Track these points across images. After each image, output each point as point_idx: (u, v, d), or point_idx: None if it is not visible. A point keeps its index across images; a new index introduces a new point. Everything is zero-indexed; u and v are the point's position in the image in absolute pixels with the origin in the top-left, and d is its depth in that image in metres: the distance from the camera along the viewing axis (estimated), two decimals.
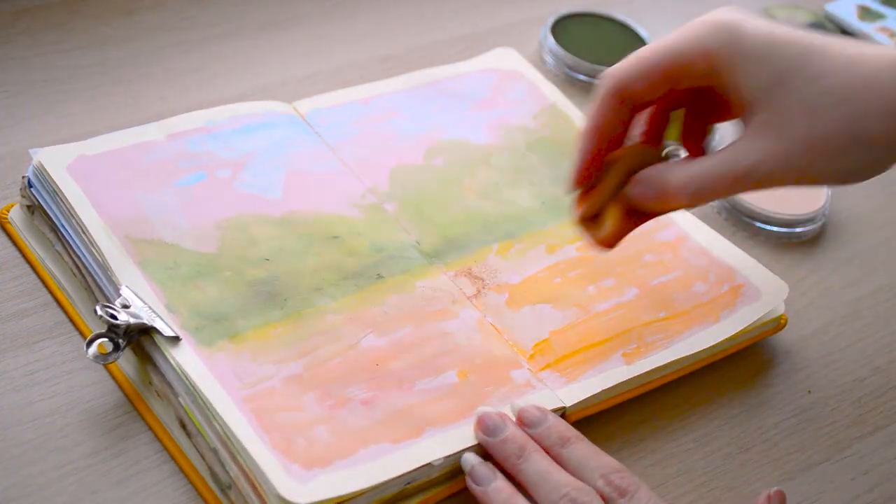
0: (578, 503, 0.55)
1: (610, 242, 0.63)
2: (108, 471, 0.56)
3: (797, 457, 0.65)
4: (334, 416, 0.57)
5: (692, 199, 0.61)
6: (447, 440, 0.58)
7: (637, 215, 0.63)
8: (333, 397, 0.58)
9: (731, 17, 0.59)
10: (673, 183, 0.61)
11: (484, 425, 0.59)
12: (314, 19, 0.88)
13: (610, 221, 0.63)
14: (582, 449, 0.58)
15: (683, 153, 0.79)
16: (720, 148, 0.61)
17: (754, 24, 0.59)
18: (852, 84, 0.58)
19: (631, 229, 0.64)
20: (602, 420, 0.63)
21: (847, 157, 0.59)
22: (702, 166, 0.61)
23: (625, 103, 0.61)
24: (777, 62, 0.58)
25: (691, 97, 0.65)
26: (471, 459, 0.58)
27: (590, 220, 0.64)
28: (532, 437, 0.59)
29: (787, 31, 0.59)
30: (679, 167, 0.61)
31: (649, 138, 0.65)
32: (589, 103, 0.62)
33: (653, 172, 0.62)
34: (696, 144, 0.67)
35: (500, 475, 0.57)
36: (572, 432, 0.59)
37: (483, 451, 0.59)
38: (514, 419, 0.60)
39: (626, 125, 0.63)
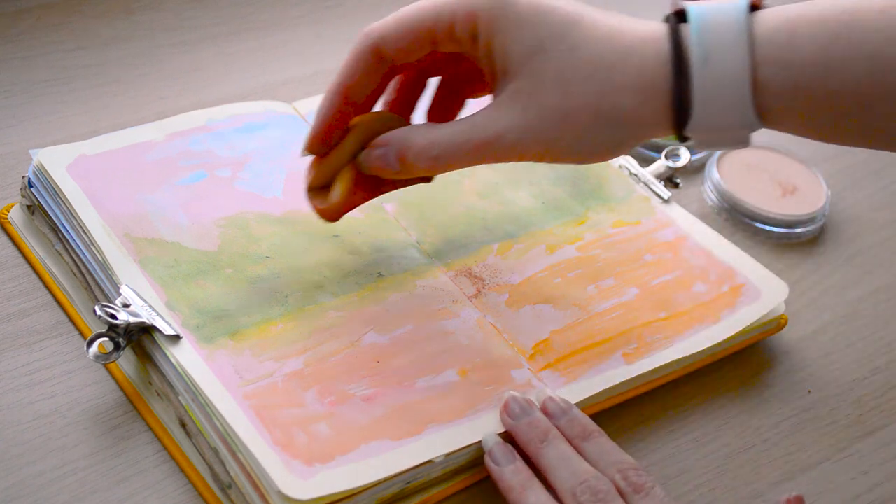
0: (596, 490, 0.55)
1: (333, 215, 0.61)
2: (108, 470, 0.56)
3: (797, 457, 0.65)
4: (335, 413, 0.57)
5: (433, 164, 0.59)
6: (448, 438, 0.58)
7: (369, 188, 0.61)
8: (334, 394, 0.58)
9: None
10: (414, 146, 0.59)
11: (510, 408, 0.59)
12: (314, 19, 0.88)
13: (337, 190, 0.60)
14: (602, 444, 0.59)
15: (684, 152, 0.79)
16: (465, 116, 0.59)
17: None
18: (607, 57, 0.56)
19: (359, 203, 0.62)
20: (602, 420, 0.62)
21: (594, 133, 0.57)
22: (446, 131, 0.58)
23: (381, 62, 0.58)
24: (539, 30, 0.56)
25: (448, 68, 0.62)
26: (491, 439, 0.58)
27: (318, 189, 0.61)
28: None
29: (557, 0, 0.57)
30: (421, 130, 0.59)
31: (397, 107, 0.63)
32: None
33: (394, 135, 0.59)
34: (446, 120, 0.64)
35: (518, 458, 0.58)
36: (594, 427, 0.59)
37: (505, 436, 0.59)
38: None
39: (379, 87, 0.60)
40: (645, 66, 0.56)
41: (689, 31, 0.55)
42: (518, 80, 0.57)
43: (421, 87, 0.64)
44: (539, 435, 0.58)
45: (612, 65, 0.56)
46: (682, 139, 0.58)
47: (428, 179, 0.63)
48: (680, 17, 0.57)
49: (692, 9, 0.56)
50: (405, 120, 0.62)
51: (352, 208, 0.62)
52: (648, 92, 0.56)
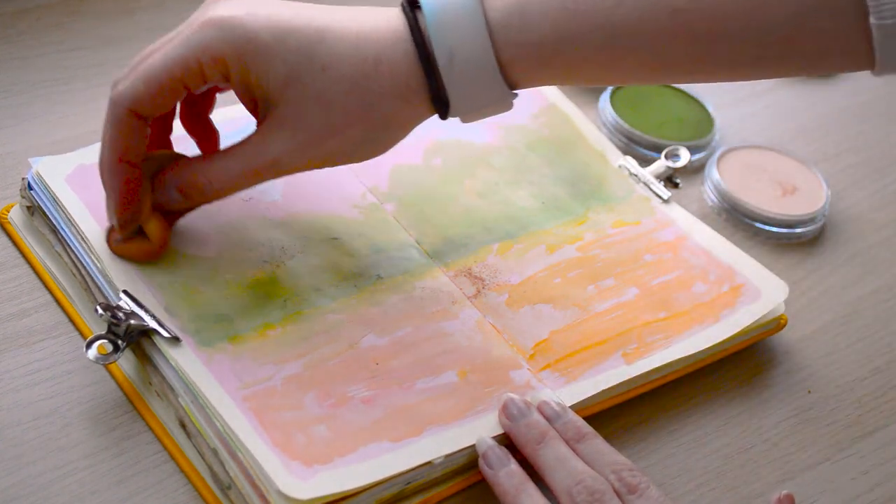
0: (593, 490, 0.56)
1: (162, 247, 0.62)
2: (108, 471, 0.56)
3: (797, 457, 0.65)
4: (335, 415, 0.57)
5: (218, 194, 0.61)
6: (447, 439, 0.58)
7: (173, 212, 0.63)
8: (333, 396, 0.58)
9: (232, 14, 0.57)
10: (198, 184, 0.60)
11: (508, 409, 0.59)
12: None
13: (153, 227, 0.61)
14: (597, 445, 0.59)
15: (684, 152, 0.79)
16: (239, 141, 0.60)
17: (259, 15, 0.57)
18: (360, 68, 0.58)
19: (172, 224, 0.63)
20: (602, 420, 0.63)
21: (369, 138, 0.60)
22: (220, 164, 0.60)
23: (141, 120, 0.58)
24: (287, 56, 0.57)
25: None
26: (485, 443, 0.58)
27: (132, 239, 0.62)
28: None
29: (294, 14, 0.58)
30: (200, 167, 0.61)
31: (154, 142, 0.64)
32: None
33: (177, 178, 0.61)
34: (201, 124, 0.65)
35: (513, 460, 0.58)
36: (589, 429, 0.60)
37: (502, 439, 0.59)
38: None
39: (145, 139, 0.60)
40: (397, 72, 0.58)
41: (427, 28, 0.58)
42: (280, 107, 0.58)
43: (173, 111, 0.64)
44: (536, 436, 0.58)
45: (367, 75, 0.58)
46: (445, 118, 0.61)
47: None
48: (413, 2, 0.58)
49: (423, 2, 0.58)
50: (172, 152, 0.63)
51: (167, 239, 0.63)
52: (407, 94, 0.59)
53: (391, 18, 0.59)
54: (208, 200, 0.62)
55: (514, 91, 0.60)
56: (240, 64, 0.57)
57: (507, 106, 0.61)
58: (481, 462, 0.58)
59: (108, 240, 0.62)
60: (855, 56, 0.57)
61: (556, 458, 0.58)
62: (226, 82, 0.59)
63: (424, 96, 0.59)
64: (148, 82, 0.57)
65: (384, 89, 0.58)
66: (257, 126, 0.60)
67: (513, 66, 0.58)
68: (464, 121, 0.61)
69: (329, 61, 0.58)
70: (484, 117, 0.61)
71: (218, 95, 0.65)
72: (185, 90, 0.58)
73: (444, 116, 0.60)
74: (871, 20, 0.54)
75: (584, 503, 0.55)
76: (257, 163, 0.59)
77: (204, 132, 0.66)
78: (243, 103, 0.61)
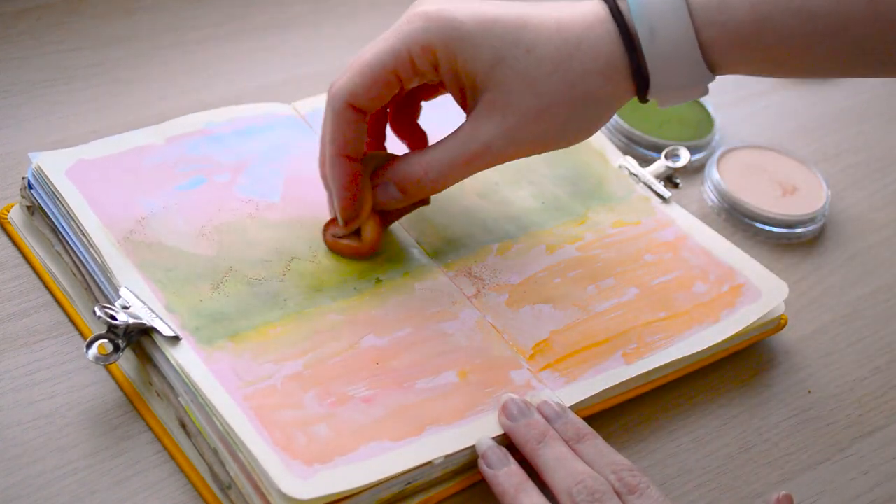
0: (593, 490, 0.56)
1: (372, 249, 0.65)
2: (108, 471, 0.56)
3: (797, 457, 0.65)
4: (335, 414, 0.57)
5: (433, 186, 0.63)
6: (448, 439, 0.58)
7: (389, 214, 0.66)
8: (334, 395, 0.58)
9: (439, 7, 0.60)
10: (412, 175, 0.62)
11: (508, 409, 0.60)
12: (314, 19, 0.88)
13: (369, 230, 0.64)
14: (597, 446, 0.59)
15: (684, 152, 0.79)
16: (449, 133, 0.62)
17: (464, 7, 0.60)
18: (564, 49, 0.60)
19: (386, 227, 0.66)
20: (602, 420, 0.63)
21: (574, 118, 0.61)
22: (435, 155, 0.62)
23: (359, 114, 0.62)
24: (493, 41, 0.60)
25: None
26: (485, 442, 0.58)
27: (347, 237, 0.65)
28: None
29: (496, 6, 0.61)
30: (414, 159, 0.63)
31: (370, 145, 0.67)
32: None
33: (393, 172, 0.64)
34: (410, 128, 0.68)
35: (512, 460, 0.58)
36: (588, 430, 0.60)
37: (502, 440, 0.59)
38: None
39: (364, 134, 0.63)
40: (600, 50, 0.60)
41: (628, 8, 0.60)
42: (488, 92, 0.60)
43: (384, 117, 0.68)
44: (536, 436, 0.58)
45: (570, 55, 0.60)
46: (644, 101, 0.62)
47: (427, 202, 0.67)
48: None
49: None
50: (385, 153, 0.67)
51: (380, 239, 0.65)
52: (609, 71, 0.60)
53: (593, 6, 0.61)
54: (425, 195, 0.65)
55: (714, 74, 0.61)
56: (448, 51, 0.60)
57: (704, 90, 0.62)
58: (481, 462, 0.58)
59: (325, 233, 0.65)
60: None
61: (556, 458, 0.58)
62: (435, 73, 0.61)
63: (626, 73, 0.60)
64: (363, 75, 0.60)
65: (586, 67, 0.60)
66: (467, 117, 0.62)
67: (712, 46, 0.60)
68: (661, 104, 0.63)
69: (533, 44, 0.60)
70: (681, 101, 0.63)
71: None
72: (398, 82, 0.61)
73: (643, 96, 0.62)
74: None
75: (584, 503, 0.55)
76: (470, 150, 0.61)
77: (413, 135, 0.68)
78: (452, 94, 0.63)
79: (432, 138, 0.68)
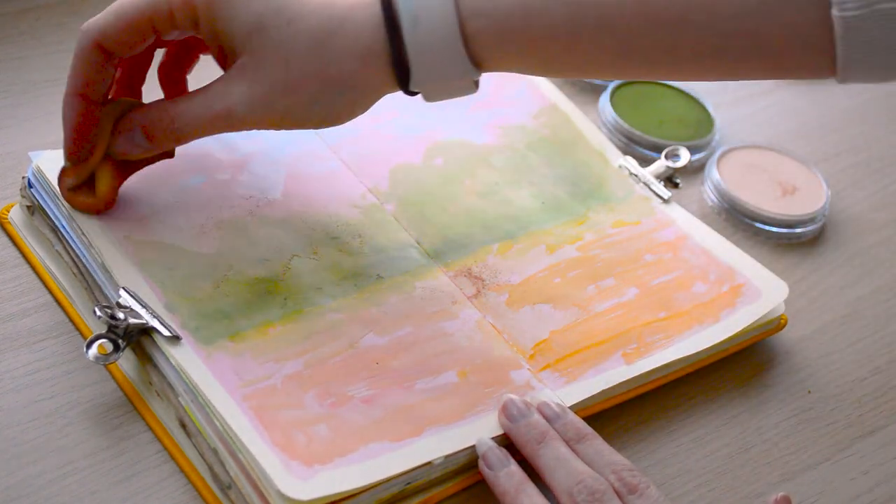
0: (593, 490, 0.56)
1: (105, 205, 0.63)
2: (109, 471, 0.56)
3: (797, 457, 0.65)
4: (335, 414, 0.57)
5: (180, 136, 0.61)
6: (447, 439, 0.58)
7: (119, 173, 0.63)
8: (334, 395, 0.58)
9: None
10: (162, 123, 0.60)
11: (508, 410, 0.59)
12: None
13: (102, 183, 0.62)
14: (597, 446, 0.59)
15: (684, 152, 0.79)
16: (200, 87, 0.61)
17: None
18: (325, 26, 0.58)
19: (122, 182, 0.63)
20: (602, 420, 0.63)
21: (324, 99, 0.59)
22: (182, 106, 0.60)
23: (108, 57, 0.59)
24: (256, 6, 0.58)
25: (172, 41, 0.64)
26: (485, 443, 0.58)
27: (80, 190, 0.62)
28: None
29: None
30: (165, 106, 0.61)
31: (125, 81, 0.64)
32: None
33: (136, 116, 0.61)
34: (176, 78, 0.66)
35: (512, 461, 0.58)
36: (588, 430, 0.60)
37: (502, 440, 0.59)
38: None
39: (111, 80, 0.61)
40: (361, 33, 0.58)
41: None
42: (243, 56, 0.59)
43: (148, 60, 0.65)
44: (536, 436, 0.58)
45: (331, 33, 0.58)
46: (410, 94, 0.60)
47: (171, 154, 0.65)
48: None
49: None
50: (138, 101, 0.64)
51: (116, 194, 0.63)
52: (368, 56, 0.58)
53: None
54: (169, 144, 0.62)
55: (479, 70, 0.59)
56: (209, 10, 0.58)
57: (470, 86, 0.60)
58: (481, 463, 0.58)
59: (60, 184, 0.62)
60: (818, 55, 0.56)
61: (556, 458, 0.58)
62: (196, 29, 0.60)
63: (386, 60, 0.58)
64: (117, 17, 0.59)
65: (345, 48, 0.58)
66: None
67: (477, 37, 0.58)
68: (427, 98, 0.61)
69: (296, 16, 0.58)
70: (448, 97, 0.61)
71: None
72: (153, 32, 0.59)
73: (405, 87, 0.60)
74: (834, 12, 0.54)
75: (585, 503, 0.55)
76: (214, 110, 0.59)
77: (176, 86, 0.66)
78: (212, 52, 0.61)
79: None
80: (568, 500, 0.56)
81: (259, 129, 0.61)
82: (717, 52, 0.57)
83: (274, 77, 0.59)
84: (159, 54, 0.66)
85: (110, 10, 0.59)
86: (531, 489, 0.56)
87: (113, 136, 0.61)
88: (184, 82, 0.67)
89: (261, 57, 0.58)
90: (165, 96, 0.66)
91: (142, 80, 0.65)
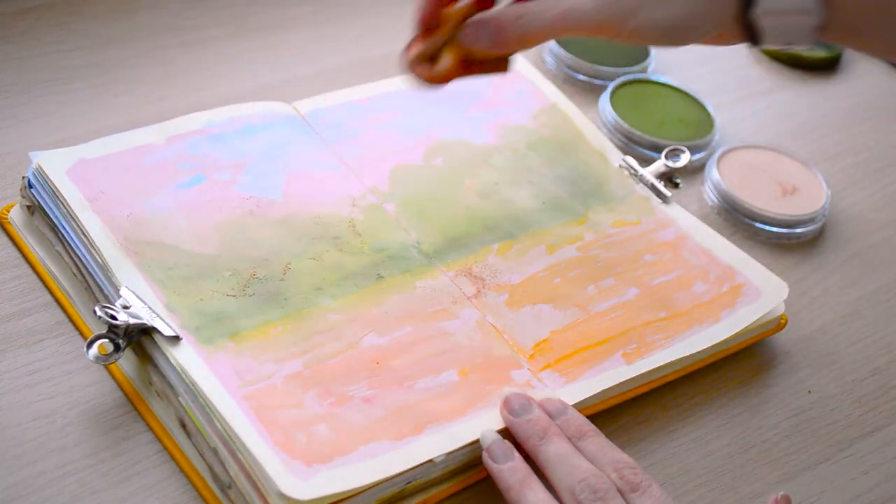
0: (595, 488, 0.56)
1: (442, 79, 0.64)
2: (108, 471, 0.56)
3: (797, 457, 0.65)
4: (335, 414, 0.57)
5: (520, 37, 0.61)
6: (448, 438, 0.58)
7: (470, 65, 0.64)
8: (334, 395, 0.58)
9: None
10: (506, 20, 0.61)
11: (510, 405, 0.59)
12: (314, 20, 0.88)
13: (445, 60, 0.63)
14: (599, 443, 0.59)
15: (684, 152, 0.79)
16: None
17: None
18: None
19: (463, 74, 0.64)
20: (602, 420, 0.63)
21: (670, 4, 0.58)
22: (529, 6, 0.61)
23: None
24: None
25: None
26: (490, 436, 0.58)
27: (423, 62, 0.64)
28: None
29: None
30: (508, 9, 0.62)
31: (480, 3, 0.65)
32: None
33: (488, 13, 0.62)
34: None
35: (517, 455, 0.58)
36: (590, 427, 0.60)
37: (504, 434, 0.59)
38: None
39: None
40: None
41: None
42: None
43: None
44: (538, 432, 0.58)
45: None
46: (750, 31, 0.58)
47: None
48: None
49: None
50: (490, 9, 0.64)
51: (457, 77, 0.63)
52: None
53: None
54: (512, 44, 0.62)
55: (819, 10, 0.57)
56: None
57: (808, 33, 0.58)
58: (485, 456, 0.58)
59: (406, 52, 0.64)
60: None
61: (558, 454, 0.57)
62: None
63: None
64: None
65: None
66: None
67: None
68: (765, 38, 0.59)
69: None
70: (783, 39, 0.59)
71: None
72: None
73: (747, 8, 0.58)
74: None
75: (587, 501, 0.55)
76: (560, 7, 0.59)
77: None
78: None
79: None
80: (570, 498, 0.56)
81: (599, 33, 0.60)
82: None
83: None
84: None
85: None
86: (536, 483, 0.56)
87: (466, 24, 0.62)
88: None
89: None
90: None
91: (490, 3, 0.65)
